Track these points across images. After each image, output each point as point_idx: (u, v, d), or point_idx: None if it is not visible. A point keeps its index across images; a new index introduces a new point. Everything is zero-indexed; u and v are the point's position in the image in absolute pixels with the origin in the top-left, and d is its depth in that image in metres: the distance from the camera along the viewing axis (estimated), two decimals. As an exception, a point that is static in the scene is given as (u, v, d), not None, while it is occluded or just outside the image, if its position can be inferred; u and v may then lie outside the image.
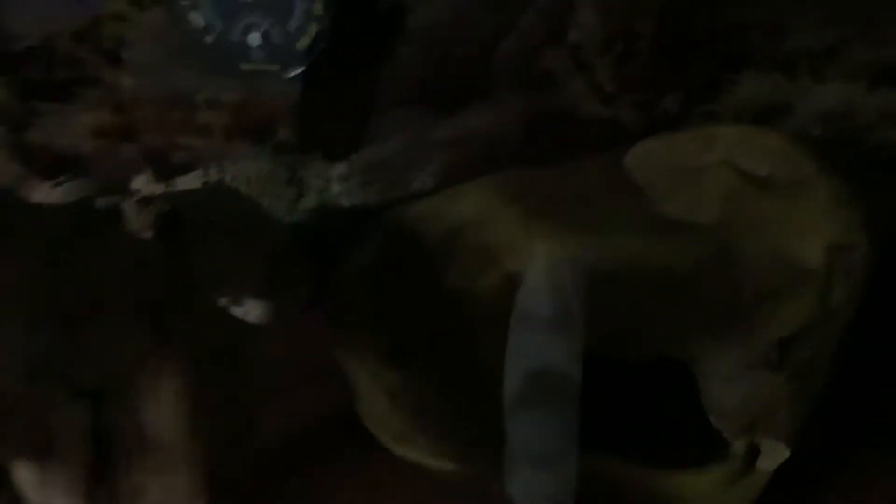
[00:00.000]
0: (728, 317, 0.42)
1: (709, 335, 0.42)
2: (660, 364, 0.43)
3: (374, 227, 0.50)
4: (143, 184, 0.60)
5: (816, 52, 0.53)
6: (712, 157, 0.46)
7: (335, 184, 0.55)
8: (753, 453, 0.43)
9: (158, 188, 0.57)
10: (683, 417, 0.44)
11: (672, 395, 0.45)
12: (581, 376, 0.40)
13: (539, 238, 0.44)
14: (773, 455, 0.42)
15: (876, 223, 0.44)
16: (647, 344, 0.43)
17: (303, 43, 0.56)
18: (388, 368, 0.45)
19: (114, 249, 0.30)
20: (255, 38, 0.56)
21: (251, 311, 0.51)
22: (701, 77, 0.55)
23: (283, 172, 0.54)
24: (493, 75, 0.56)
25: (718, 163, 0.45)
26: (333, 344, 0.48)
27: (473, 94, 0.56)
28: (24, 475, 0.31)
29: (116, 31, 0.58)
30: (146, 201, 0.36)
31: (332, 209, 0.55)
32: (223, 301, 0.51)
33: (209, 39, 0.56)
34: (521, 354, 0.41)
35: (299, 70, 0.56)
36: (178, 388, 0.29)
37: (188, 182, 0.54)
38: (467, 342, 0.44)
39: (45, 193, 0.40)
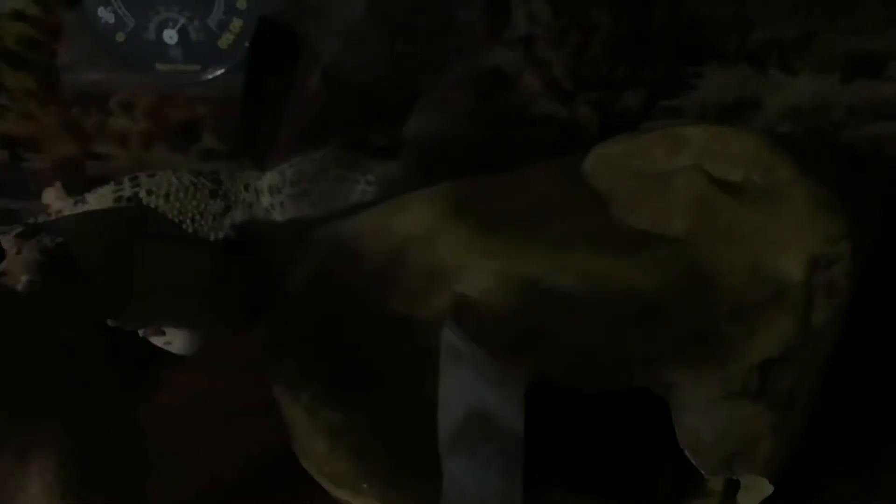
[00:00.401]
0: (701, 340, 0.38)
1: (680, 361, 0.38)
2: (629, 394, 0.39)
3: (309, 245, 0.45)
4: (53, 198, 0.55)
5: (786, 42, 0.49)
6: (680, 162, 0.42)
7: (265, 196, 0.49)
8: (733, 487, 0.39)
9: (68, 204, 0.52)
10: (656, 450, 0.40)
11: (643, 427, 0.41)
12: (523, 418, 0.35)
13: (491, 257, 0.40)
14: (755, 491, 0.38)
15: (858, 230, 0.40)
16: (613, 373, 0.38)
17: (225, 40, 0.50)
18: (325, 406, 0.41)
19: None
20: (171, 36, 0.50)
21: (173, 341, 0.47)
22: (662, 71, 0.51)
23: (207, 185, 0.49)
24: (433, 74, 0.51)
25: (687, 168, 0.41)
26: (268, 376, 0.43)
27: (414, 96, 0.51)
28: None
29: (18, 31, 0.52)
30: (27, 235, 0.30)
31: (263, 224, 0.50)
32: (142, 333, 0.46)
33: (120, 38, 0.51)
34: (454, 394, 0.36)
35: (221, 71, 0.50)
36: (49, 475, 0.24)
37: (99, 199, 0.49)
38: (414, 375, 0.40)
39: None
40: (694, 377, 0.38)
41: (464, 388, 0.37)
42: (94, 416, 0.27)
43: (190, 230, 0.48)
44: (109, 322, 0.41)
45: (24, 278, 0.29)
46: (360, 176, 0.48)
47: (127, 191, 0.48)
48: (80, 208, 0.49)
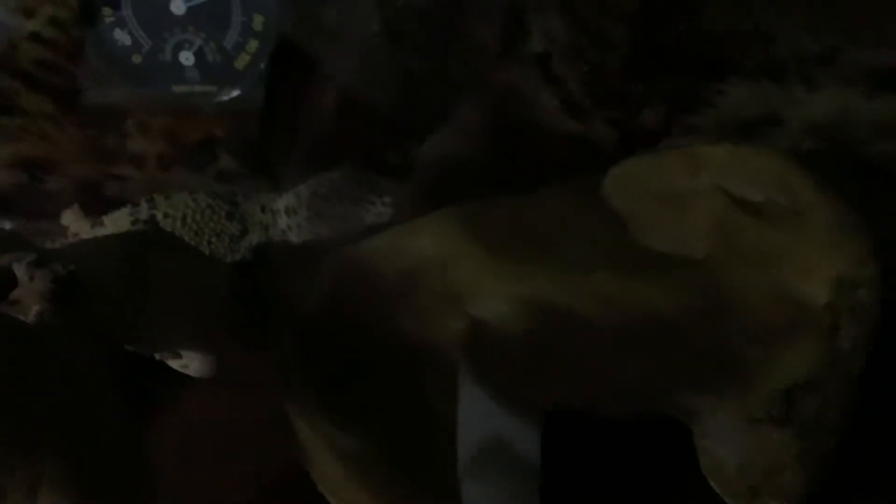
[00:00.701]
0: (723, 365, 0.37)
1: (702, 387, 0.37)
2: (651, 421, 0.38)
3: (324, 267, 0.45)
4: (71, 219, 0.55)
5: (809, 56, 0.48)
6: (700, 182, 0.41)
7: (282, 218, 0.49)
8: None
9: (86, 225, 0.52)
10: (678, 478, 0.39)
11: (665, 454, 0.40)
12: (538, 445, 0.35)
13: (506, 279, 0.39)
14: (780, 519, 0.37)
15: (884, 251, 0.39)
16: (633, 399, 0.38)
17: (241, 61, 0.50)
18: (341, 431, 0.40)
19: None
20: (187, 57, 0.50)
21: (190, 363, 0.46)
22: (681, 88, 0.50)
23: (224, 206, 0.49)
24: (448, 93, 0.50)
25: (707, 188, 0.41)
26: (282, 399, 0.43)
27: (429, 115, 0.51)
28: None
29: (35, 54, 0.52)
30: (38, 263, 0.30)
31: (280, 246, 0.49)
32: (160, 356, 0.46)
33: (137, 59, 0.51)
34: (472, 420, 0.36)
35: (238, 91, 0.50)
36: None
37: (116, 221, 0.48)
38: (429, 401, 0.39)
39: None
40: (716, 403, 0.37)
41: (481, 414, 0.37)
42: (101, 447, 0.26)
43: (207, 252, 0.48)
44: (126, 346, 0.41)
45: (35, 308, 0.29)
46: (375, 198, 0.48)
47: (144, 213, 0.48)
48: (98, 231, 0.49)
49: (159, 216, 0.48)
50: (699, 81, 0.50)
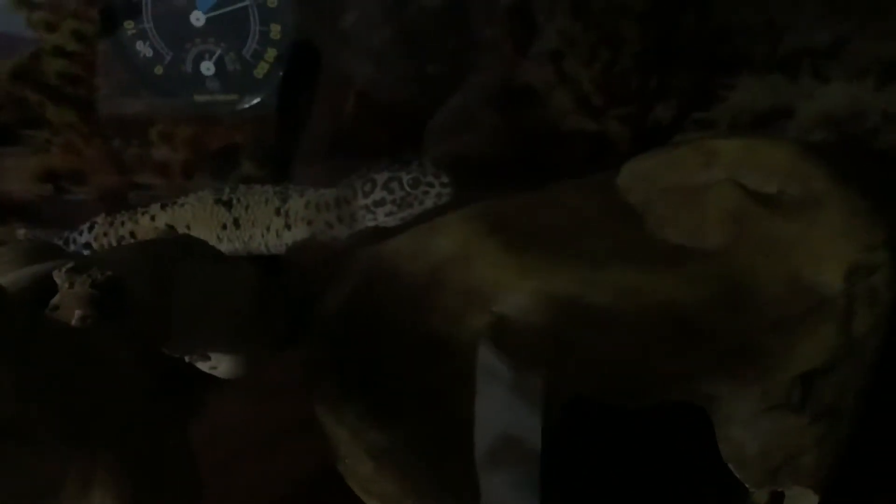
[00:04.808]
0: (741, 353, 0.38)
1: (722, 374, 0.38)
2: (670, 408, 0.39)
3: (349, 266, 0.46)
4: (99, 228, 0.56)
5: (818, 50, 0.49)
6: (714, 174, 0.42)
7: (323, 214, 0.49)
8: (778, 499, 0.39)
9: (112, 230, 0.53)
10: (697, 464, 0.40)
11: (685, 441, 0.41)
12: (540, 435, 0.36)
13: (527, 275, 0.40)
14: (801, 502, 0.38)
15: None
16: (653, 388, 0.38)
17: (260, 70, 0.51)
18: (370, 427, 0.41)
19: (22, 354, 0.25)
20: (208, 67, 0.51)
21: (219, 366, 0.47)
22: (693, 83, 0.51)
23: (276, 202, 0.50)
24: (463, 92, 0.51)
25: (721, 180, 0.41)
26: (309, 397, 0.44)
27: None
28: None
29: (59, 67, 0.54)
30: (79, 270, 0.31)
31: (321, 241, 0.50)
32: (189, 358, 0.47)
33: (159, 70, 0.52)
34: (489, 413, 0.37)
35: (257, 99, 0.51)
36: (110, 501, 0.25)
37: (200, 199, 0.50)
38: (454, 395, 0.40)
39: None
40: (736, 390, 0.38)
41: (499, 407, 0.38)
42: (147, 442, 0.27)
43: (262, 245, 0.49)
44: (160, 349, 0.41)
45: (77, 313, 0.30)
46: (433, 179, 0.48)
47: (225, 195, 0.49)
48: (179, 209, 0.51)
49: (235, 200, 0.49)
50: (710, 77, 0.51)
